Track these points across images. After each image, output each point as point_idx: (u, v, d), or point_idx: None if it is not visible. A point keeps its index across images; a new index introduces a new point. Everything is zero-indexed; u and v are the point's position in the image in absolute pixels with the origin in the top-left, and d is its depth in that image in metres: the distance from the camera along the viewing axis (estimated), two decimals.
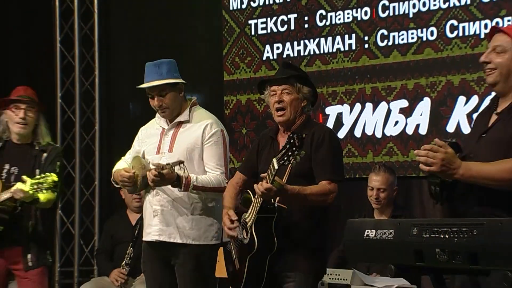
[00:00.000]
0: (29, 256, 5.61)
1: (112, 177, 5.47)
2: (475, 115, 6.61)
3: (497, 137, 3.70)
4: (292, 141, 4.25)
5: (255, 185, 4.45)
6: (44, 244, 5.71)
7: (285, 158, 4.25)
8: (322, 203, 4.61)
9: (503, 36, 3.79)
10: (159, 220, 5.25)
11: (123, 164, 5.44)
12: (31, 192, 5.30)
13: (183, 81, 5.39)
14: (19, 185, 5.33)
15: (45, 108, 5.93)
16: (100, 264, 7.82)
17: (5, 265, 5.68)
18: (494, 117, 3.81)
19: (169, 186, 5.13)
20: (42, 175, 5.37)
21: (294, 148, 4.23)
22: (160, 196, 5.25)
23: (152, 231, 5.28)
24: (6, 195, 5.43)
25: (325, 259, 4.88)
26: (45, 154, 5.69)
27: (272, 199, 4.51)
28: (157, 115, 5.46)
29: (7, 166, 5.69)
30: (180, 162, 5.04)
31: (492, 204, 3.56)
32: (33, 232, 5.62)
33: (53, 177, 5.34)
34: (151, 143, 5.39)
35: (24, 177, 5.40)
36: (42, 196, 5.41)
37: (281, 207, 4.55)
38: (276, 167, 4.26)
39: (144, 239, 5.41)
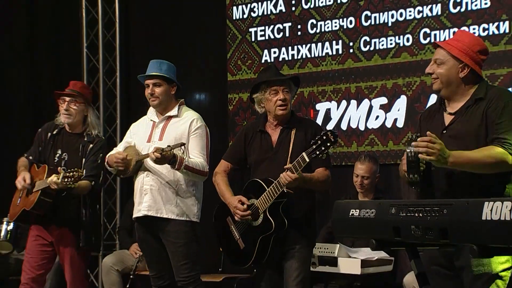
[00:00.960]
0: (75, 238, 5.60)
1: (105, 162, 5.49)
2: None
3: (460, 132, 3.74)
4: (325, 137, 4.33)
5: (281, 175, 4.50)
6: (89, 228, 5.66)
7: (317, 152, 4.35)
8: (326, 187, 4.83)
9: (441, 50, 3.85)
10: (149, 197, 5.29)
11: (115, 152, 5.50)
12: (62, 183, 5.27)
13: (177, 82, 5.47)
14: (53, 177, 5.32)
15: (90, 100, 5.89)
16: (121, 239, 7.85)
17: (52, 242, 5.67)
18: (449, 117, 3.85)
19: (159, 169, 5.19)
20: (73, 169, 5.32)
21: (328, 144, 4.34)
22: (150, 178, 5.30)
23: (142, 208, 5.32)
24: (43, 185, 5.43)
25: (315, 233, 4.96)
26: (91, 145, 5.69)
27: (283, 187, 4.57)
28: (149, 111, 5.55)
29: (59, 152, 5.70)
30: (182, 144, 5.11)
31: (463, 190, 3.58)
32: (78, 216, 5.60)
33: (80, 172, 5.29)
34: (142, 133, 5.47)
35: (59, 169, 5.45)
36: (76, 185, 5.38)
37: (289, 192, 4.61)
38: (307, 160, 4.37)
39: (134, 215, 5.44)
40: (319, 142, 4.35)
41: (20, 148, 6.21)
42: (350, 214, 3.38)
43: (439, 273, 3.77)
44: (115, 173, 5.65)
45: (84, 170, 5.51)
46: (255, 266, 4.96)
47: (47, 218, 5.59)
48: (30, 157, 5.78)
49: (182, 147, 5.13)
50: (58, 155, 5.69)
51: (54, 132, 5.76)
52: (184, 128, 5.33)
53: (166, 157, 5.06)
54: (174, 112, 5.42)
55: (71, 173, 5.28)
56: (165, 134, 5.35)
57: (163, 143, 5.24)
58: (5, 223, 6.78)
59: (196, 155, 5.25)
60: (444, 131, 3.80)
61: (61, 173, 5.30)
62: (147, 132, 5.44)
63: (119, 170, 5.38)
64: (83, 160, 5.61)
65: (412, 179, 3.70)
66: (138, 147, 5.40)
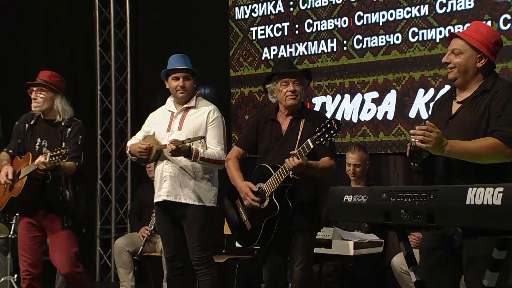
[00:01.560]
0: (60, 219, 5.47)
1: (128, 150, 5.48)
2: (431, 104, 6.66)
3: (464, 121, 3.67)
4: (329, 125, 4.29)
5: (287, 160, 4.47)
6: (73, 211, 5.50)
7: (321, 139, 4.30)
8: (328, 175, 4.74)
9: (459, 41, 3.75)
10: (168, 183, 5.27)
11: (135, 141, 5.49)
12: (50, 163, 5.15)
13: (198, 75, 5.49)
14: (41, 158, 5.21)
15: (58, 88, 5.61)
16: (132, 223, 7.87)
17: (41, 226, 5.57)
18: (456, 105, 3.76)
19: (178, 157, 5.16)
20: (59, 147, 5.20)
21: (332, 131, 4.30)
22: (170, 165, 5.27)
23: (162, 193, 5.29)
24: (30, 169, 5.32)
25: (320, 219, 4.89)
26: (69, 129, 5.54)
27: (289, 172, 4.53)
28: (167, 101, 5.51)
29: (39, 140, 5.57)
30: (202, 137, 5.10)
31: (462, 178, 3.53)
32: (63, 201, 5.48)
33: (66, 148, 5.18)
34: (162, 123, 5.42)
35: (45, 149, 5.33)
36: (63, 165, 5.29)
37: (295, 178, 4.58)
38: (311, 146, 4.33)
39: (155, 201, 5.41)
40: (323, 129, 4.32)
41: None
42: (344, 199, 3.37)
43: (430, 253, 3.76)
44: (135, 161, 5.61)
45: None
46: (260, 247, 4.91)
47: (34, 204, 5.49)
48: (10, 151, 5.66)
49: (202, 140, 5.12)
50: (38, 143, 5.55)
51: (32, 122, 5.61)
52: (202, 119, 5.29)
53: (182, 150, 5.05)
54: (192, 103, 5.38)
55: (58, 151, 5.16)
56: (184, 124, 5.31)
57: (182, 132, 5.23)
58: None
59: (214, 145, 5.23)
60: (450, 120, 3.74)
61: (48, 153, 5.18)
62: (166, 122, 5.39)
63: (141, 158, 5.35)
64: (63, 144, 5.41)
65: (413, 167, 3.68)
66: (158, 136, 5.36)
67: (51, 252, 5.55)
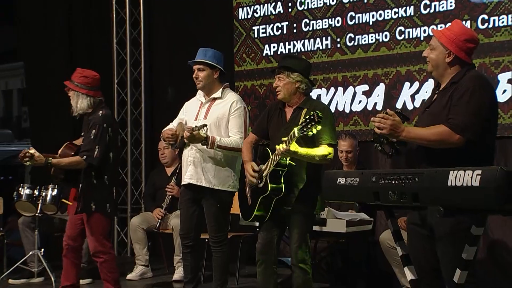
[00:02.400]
0: (84, 203, 5.48)
1: (161, 135, 5.45)
2: (417, 96, 6.69)
3: (434, 110, 3.71)
4: (312, 117, 4.25)
5: (277, 146, 4.44)
6: (88, 197, 5.48)
7: (305, 129, 4.25)
8: (324, 161, 4.60)
9: (434, 38, 3.80)
10: (191, 168, 5.25)
11: (170, 126, 5.46)
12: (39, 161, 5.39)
13: (221, 68, 5.36)
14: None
15: (82, 87, 5.62)
16: (146, 204, 7.88)
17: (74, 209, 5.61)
18: (435, 96, 3.81)
19: (199, 144, 5.13)
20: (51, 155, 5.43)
21: (313, 123, 4.24)
22: (194, 151, 5.24)
23: (186, 176, 5.29)
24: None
25: (317, 202, 4.79)
26: (89, 124, 5.54)
27: (285, 157, 4.50)
28: (198, 92, 5.46)
29: (82, 133, 5.63)
30: (203, 126, 5.05)
31: (431, 160, 3.57)
32: (86, 188, 5.48)
33: (28, 152, 5.38)
34: (192, 112, 5.40)
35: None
36: (54, 163, 5.45)
37: (291, 163, 4.55)
38: (297, 135, 4.28)
39: (182, 183, 5.41)
40: (307, 120, 4.27)
41: (62, 134, 6.11)
42: (338, 182, 3.38)
43: (415, 230, 3.79)
44: (167, 146, 5.61)
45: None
46: (257, 222, 4.90)
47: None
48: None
49: (205, 127, 5.05)
50: (82, 134, 5.63)
51: (77, 118, 5.70)
52: (226, 109, 5.24)
53: (196, 137, 5.01)
54: (218, 94, 5.31)
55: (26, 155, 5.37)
56: (209, 114, 5.26)
57: (207, 121, 5.18)
58: (50, 188, 6.84)
59: (234, 133, 5.18)
60: (427, 109, 3.78)
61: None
62: (195, 110, 5.36)
63: (170, 143, 5.36)
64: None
65: (377, 148, 3.74)
66: (188, 123, 5.31)
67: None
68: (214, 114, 5.26)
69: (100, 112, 5.53)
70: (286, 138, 4.40)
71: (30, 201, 6.97)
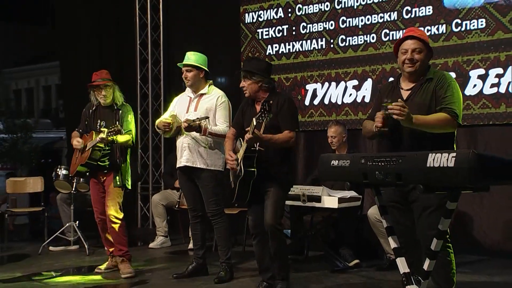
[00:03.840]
0: (117, 178, 5.62)
1: (156, 125, 5.48)
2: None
3: (417, 102, 3.69)
4: (264, 107, 4.24)
5: (245, 135, 4.41)
6: (123, 173, 5.67)
7: (260, 118, 4.24)
8: (287, 145, 4.52)
9: (418, 42, 3.74)
10: (187, 152, 5.28)
11: (162, 118, 5.46)
12: (108, 137, 5.37)
13: (205, 68, 5.38)
14: (101, 134, 5.41)
15: (113, 82, 5.77)
16: (165, 182, 7.89)
17: (102, 182, 5.72)
18: (405, 92, 3.78)
19: (194, 132, 5.17)
20: (113, 125, 5.42)
21: (266, 112, 4.23)
22: (188, 138, 5.27)
23: (183, 160, 5.31)
24: (94, 143, 5.49)
25: (289, 179, 4.71)
26: (120, 112, 5.68)
27: (254, 144, 4.44)
28: (187, 89, 5.49)
29: (99, 121, 5.70)
30: (206, 117, 5.14)
31: (420, 144, 3.57)
32: (116, 165, 5.62)
33: (118, 126, 5.40)
34: (183, 105, 5.42)
35: (102, 128, 5.50)
36: (120, 138, 5.48)
37: (260, 149, 4.48)
38: (254, 123, 4.26)
39: (177, 166, 5.41)
40: (261, 110, 4.24)
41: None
42: (331, 164, 3.37)
43: (395, 207, 3.79)
44: (161, 133, 5.64)
45: (122, 129, 5.56)
46: (239, 203, 4.86)
47: (97, 168, 5.64)
48: (80, 130, 5.81)
49: (207, 119, 5.14)
50: (98, 123, 5.68)
51: (93, 109, 5.75)
52: (212, 102, 5.30)
53: (193, 127, 5.08)
54: (204, 90, 5.38)
55: (111, 128, 5.38)
56: (198, 107, 5.32)
57: (197, 113, 5.24)
58: (62, 168, 6.95)
59: (221, 123, 5.24)
60: (406, 101, 3.74)
61: (105, 130, 5.39)
62: (185, 104, 5.41)
63: (164, 131, 5.38)
64: (117, 122, 5.60)
65: (383, 132, 3.67)
66: (179, 115, 5.37)
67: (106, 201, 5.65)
68: (203, 106, 5.31)
69: (122, 102, 5.75)
70: (248, 128, 4.38)
71: (67, 181, 7.02)
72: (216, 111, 5.29)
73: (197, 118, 5.10)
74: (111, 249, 5.76)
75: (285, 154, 4.59)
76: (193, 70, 5.34)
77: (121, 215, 5.62)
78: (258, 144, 4.44)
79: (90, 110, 5.78)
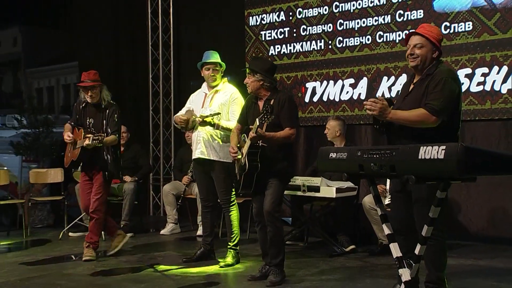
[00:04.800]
0: (103, 174, 5.59)
1: (173, 121, 5.46)
2: (393, 88, 6.64)
3: (414, 97, 3.66)
4: (267, 109, 4.24)
5: (249, 133, 4.40)
6: (111, 168, 5.62)
7: (263, 119, 4.24)
8: (287, 141, 4.51)
9: (420, 37, 3.69)
10: (201, 145, 5.25)
11: (179, 114, 5.44)
12: (92, 143, 5.29)
13: (224, 66, 5.41)
14: (86, 140, 5.35)
15: (101, 82, 5.68)
16: (175, 174, 7.87)
17: (90, 179, 5.69)
18: (412, 86, 3.76)
19: (208, 126, 5.15)
20: (98, 134, 5.36)
21: (267, 114, 4.23)
22: (202, 132, 5.24)
23: (197, 152, 5.28)
24: (81, 144, 5.45)
25: (289, 172, 4.68)
26: (107, 111, 5.61)
27: (258, 141, 4.45)
28: (203, 85, 5.45)
29: (88, 118, 5.64)
30: (217, 113, 5.11)
31: (411, 137, 3.54)
32: (105, 162, 5.58)
33: (102, 136, 5.34)
34: (198, 101, 5.39)
35: (88, 134, 5.42)
36: (106, 140, 5.42)
37: (263, 145, 4.49)
38: (257, 123, 4.27)
39: (192, 158, 5.38)
40: (264, 111, 4.25)
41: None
42: (330, 156, 3.37)
43: (398, 196, 3.77)
44: (179, 128, 5.61)
45: (109, 128, 5.53)
46: (244, 193, 4.86)
47: (87, 163, 5.63)
48: (72, 123, 5.73)
49: (218, 115, 5.11)
50: (88, 120, 5.63)
51: (83, 105, 5.69)
52: (226, 98, 5.25)
53: (207, 122, 5.06)
54: (220, 87, 5.33)
55: (96, 137, 5.31)
56: (213, 102, 5.27)
57: (212, 108, 5.21)
58: None
59: (233, 118, 5.15)
60: (406, 96, 3.74)
61: (91, 136, 5.31)
62: (201, 100, 5.36)
63: (181, 126, 5.35)
64: (104, 121, 5.56)
65: (376, 128, 3.68)
66: (195, 110, 5.32)
67: (92, 193, 5.63)
68: (218, 102, 5.26)
69: (108, 100, 5.67)
70: (251, 126, 4.39)
71: (78, 170, 6.98)
72: (230, 106, 5.24)
73: (210, 114, 5.07)
74: (119, 232, 5.85)
75: (286, 149, 4.59)
76: (218, 67, 5.32)
77: (103, 209, 5.62)
78: (261, 141, 4.45)
79: (80, 106, 5.71)
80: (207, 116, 5.07)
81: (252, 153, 4.48)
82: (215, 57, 5.35)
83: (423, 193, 3.52)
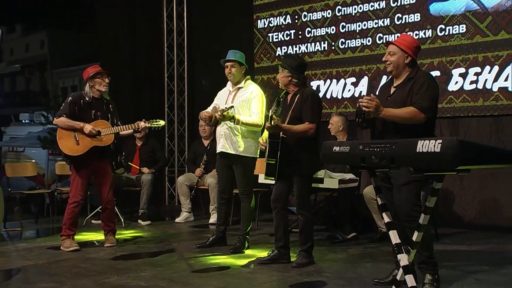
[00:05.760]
0: (112, 163, 5.59)
1: (199, 116, 5.37)
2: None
3: (397, 99, 3.69)
4: (278, 101, 4.27)
5: (266, 124, 4.41)
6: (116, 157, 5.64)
7: (273, 111, 4.28)
8: (305, 135, 4.46)
9: (394, 46, 3.78)
10: (223, 140, 5.21)
11: (206, 110, 5.36)
12: (152, 125, 5.43)
13: (246, 66, 5.31)
14: (141, 123, 5.40)
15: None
16: (188, 166, 7.85)
17: (91, 172, 5.51)
18: (392, 89, 3.80)
19: (228, 122, 5.09)
20: (153, 120, 5.43)
21: (276, 108, 4.29)
22: (224, 127, 5.19)
23: (219, 146, 5.24)
24: (136, 128, 5.44)
25: (310, 164, 4.61)
26: (111, 105, 5.53)
27: (279, 132, 4.41)
28: (228, 83, 5.38)
29: (93, 111, 5.42)
30: (231, 107, 5.02)
31: (393, 132, 3.59)
32: (111, 151, 5.51)
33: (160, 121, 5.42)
34: (223, 98, 5.31)
35: (140, 122, 5.42)
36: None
37: (283, 137, 4.47)
38: (269, 115, 4.28)
39: (217, 151, 5.33)
40: (275, 104, 4.26)
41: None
42: (333, 149, 3.33)
43: (383, 186, 3.76)
44: (205, 123, 5.56)
45: (118, 121, 5.50)
46: (269, 179, 4.76)
47: (98, 155, 5.41)
48: (67, 116, 5.40)
49: (232, 108, 5.00)
50: (93, 113, 5.42)
51: (88, 100, 5.43)
52: (248, 95, 5.18)
53: (225, 116, 4.97)
54: (242, 84, 5.25)
55: (149, 121, 5.38)
56: (235, 98, 5.20)
57: (234, 103, 5.13)
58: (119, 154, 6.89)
59: (254, 114, 5.11)
60: (388, 98, 3.77)
61: (149, 122, 5.35)
62: (225, 97, 5.30)
63: (206, 121, 5.28)
64: (109, 114, 5.49)
65: (358, 123, 3.68)
66: (220, 107, 5.20)
67: (104, 186, 5.53)
68: (240, 98, 5.19)
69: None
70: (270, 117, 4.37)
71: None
72: (251, 103, 5.16)
73: (225, 108, 4.98)
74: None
75: (306, 142, 4.50)
76: (236, 66, 5.23)
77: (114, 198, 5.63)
78: (281, 132, 4.42)
79: (82, 101, 5.44)
80: (223, 110, 4.97)
81: (272, 144, 4.46)
82: (233, 56, 5.26)
83: (401, 179, 3.58)
